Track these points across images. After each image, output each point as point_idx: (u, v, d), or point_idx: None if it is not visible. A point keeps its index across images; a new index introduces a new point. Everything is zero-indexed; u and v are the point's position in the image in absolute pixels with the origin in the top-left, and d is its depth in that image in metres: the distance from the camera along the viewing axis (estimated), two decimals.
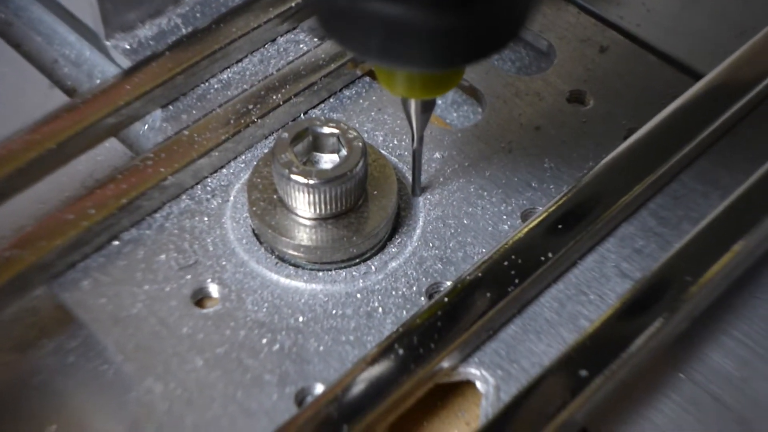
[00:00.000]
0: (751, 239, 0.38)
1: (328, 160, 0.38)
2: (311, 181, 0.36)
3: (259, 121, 0.41)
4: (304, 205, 0.37)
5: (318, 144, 0.38)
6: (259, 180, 0.39)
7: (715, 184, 0.41)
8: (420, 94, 0.36)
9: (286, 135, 0.37)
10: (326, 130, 0.38)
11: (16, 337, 0.38)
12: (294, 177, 0.36)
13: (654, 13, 0.49)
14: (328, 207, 0.37)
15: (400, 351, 0.35)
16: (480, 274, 0.37)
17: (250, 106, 0.42)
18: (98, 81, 0.49)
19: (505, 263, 0.37)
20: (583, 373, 0.35)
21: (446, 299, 0.36)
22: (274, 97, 0.42)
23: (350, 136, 0.37)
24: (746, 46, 0.44)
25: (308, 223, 0.38)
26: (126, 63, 0.44)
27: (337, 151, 0.38)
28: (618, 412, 0.37)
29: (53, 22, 0.52)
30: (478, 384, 0.36)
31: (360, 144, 0.37)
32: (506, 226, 0.39)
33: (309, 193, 0.37)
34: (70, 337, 0.38)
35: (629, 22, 0.48)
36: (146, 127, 0.45)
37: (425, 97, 0.36)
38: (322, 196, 0.37)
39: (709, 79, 0.43)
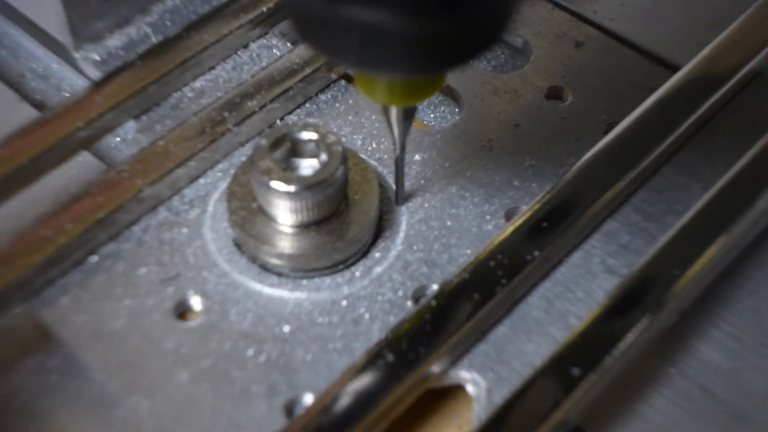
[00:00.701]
0: (735, 230, 0.38)
1: (307, 166, 0.37)
2: (292, 188, 0.36)
3: (235, 128, 0.41)
4: (285, 212, 0.36)
5: (297, 150, 0.37)
6: (238, 188, 0.38)
7: (696, 176, 0.41)
8: (401, 101, 0.35)
9: (264, 141, 0.37)
10: (305, 135, 0.37)
11: None
12: (274, 184, 0.36)
13: (627, 7, 0.49)
14: (310, 213, 0.37)
15: (390, 357, 0.34)
16: (467, 276, 0.36)
17: (226, 114, 0.41)
18: (67, 94, 0.48)
19: (492, 263, 0.37)
20: (575, 371, 0.34)
21: (434, 302, 0.36)
22: (249, 103, 0.41)
23: (329, 140, 0.37)
24: (721, 37, 0.44)
25: (290, 230, 0.37)
26: (96, 74, 0.43)
27: (317, 156, 0.37)
28: (610, 410, 0.37)
29: (19, 36, 0.51)
30: (469, 387, 0.36)
31: (340, 148, 0.37)
32: (490, 227, 0.39)
33: (290, 200, 0.36)
34: (51, 355, 0.37)
35: (603, 17, 0.48)
36: (118, 139, 0.44)
37: (406, 103, 0.35)
38: (304, 203, 0.36)
39: (686, 72, 0.42)
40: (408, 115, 0.36)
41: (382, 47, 0.29)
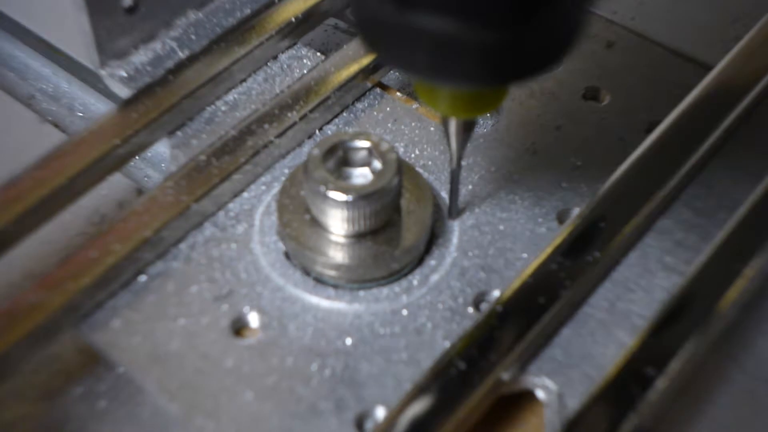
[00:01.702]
0: None
1: (359, 175, 0.37)
2: (350, 197, 0.35)
3: (276, 140, 0.40)
4: (340, 222, 0.36)
5: (348, 158, 0.37)
6: (288, 201, 0.37)
7: (744, 170, 0.40)
8: (463, 113, 0.34)
9: (317, 151, 0.36)
10: (358, 143, 0.36)
11: (41, 386, 0.36)
12: (331, 194, 0.35)
13: (647, 6, 0.49)
14: (367, 222, 0.36)
15: (461, 365, 0.34)
16: (530, 280, 0.36)
17: (266, 126, 0.40)
18: (80, 114, 0.47)
19: (554, 266, 0.36)
20: (650, 371, 0.34)
21: (500, 308, 0.35)
22: (289, 114, 0.40)
23: (383, 148, 0.36)
24: (755, 30, 0.44)
25: (345, 241, 0.36)
26: (124, 92, 0.42)
27: (368, 164, 0.37)
28: (677, 411, 0.36)
29: (26, 57, 0.50)
30: (540, 393, 0.35)
31: (394, 155, 0.36)
32: (543, 229, 0.38)
33: (347, 210, 0.35)
34: (99, 380, 0.36)
35: (623, 17, 0.48)
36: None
37: (468, 116, 0.35)
38: (361, 212, 0.35)
39: (723, 66, 0.42)
40: (468, 128, 0.36)
41: (452, 57, 0.28)
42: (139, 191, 0.43)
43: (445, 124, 0.36)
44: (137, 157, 0.42)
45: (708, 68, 0.43)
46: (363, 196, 0.35)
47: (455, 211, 0.38)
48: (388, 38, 0.29)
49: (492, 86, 0.33)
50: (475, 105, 0.34)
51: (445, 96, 0.34)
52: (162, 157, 0.43)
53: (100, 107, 0.47)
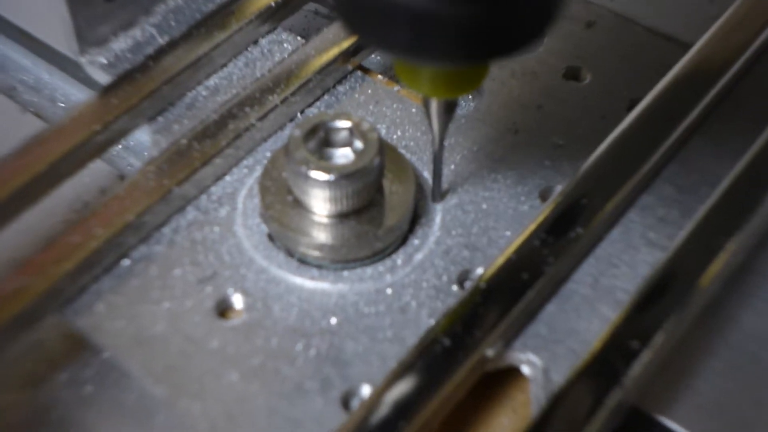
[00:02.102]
0: None
1: (341, 155, 0.37)
2: (331, 177, 0.35)
3: (258, 123, 0.40)
4: (323, 202, 0.36)
5: (329, 139, 0.37)
6: (270, 183, 0.37)
7: (725, 146, 0.40)
8: (444, 93, 0.34)
9: (298, 132, 0.36)
10: (339, 123, 0.36)
11: (25, 373, 0.35)
12: (313, 174, 0.35)
13: None
14: (349, 202, 0.36)
15: (446, 342, 0.34)
16: (514, 257, 0.36)
17: (247, 109, 0.40)
18: (62, 104, 0.47)
19: (536, 242, 0.36)
20: (635, 344, 0.34)
21: (483, 285, 0.35)
22: (270, 98, 0.40)
23: (364, 127, 0.36)
24: (732, 9, 0.44)
25: (328, 221, 0.36)
26: (104, 78, 0.42)
27: (350, 145, 0.37)
28: (662, 386, 0.36)
29: (5, 48, 0.49)
30: (525, 368, 0.35)
31: (375, 135, 0.36)
32: (526, 207, 0.39)
33: (329, 189, 0.35)
34: (84, 366, 0.35)
35: None
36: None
37: (449, 95, 0.35)
38: (343, 191, 0.35)
39: (703, 43, 0.43)
40: (449, 109, 0.35)
41: (431, 34, 0.28)
42: (122, 178, 0.43)
43: (426, 105, 0.35)
44: (120, 146, 0.42)
45: (687, 47, 0.43)
46: (345, 176, 0.35)
47: (438, 193, 0.38)
48: (365, 15, 0.29)
49: (471, 63, 0.32)
50: (455, 84, 0.34)
51: (425, 75, 0.33)
52: (144, 145, 0.43)
53: (81, 97, 0.46)
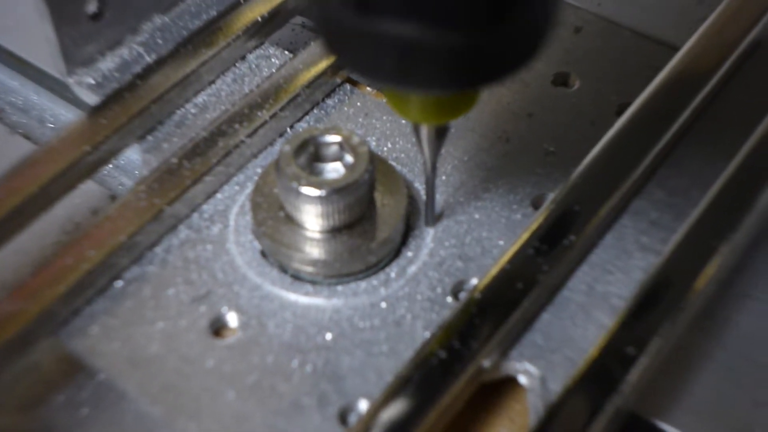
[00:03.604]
0: (765, 198, 0.38)
1: (331, 170, 0.37)
2: (323, 192, 0.35)
3: (248, 140, 0.40)
4: (315, 217, 0.36)
5: (319, 154, 0.37)
6: (261, 199, 0.37)
7: (714, 148, 0.40)
8: (434, 119, 0.34)
9: (288, 148, 0.36)
10: (329, 138, 0.36)
11: (20, 396, 0.35)
12: (304, 189, 0.35)
13: None
14: (341, 217, 0.36)
15: (442, 354, 0.34)
16: (508, 266, 0.36)
17: (236, 126, 0.40)
18: (51, 125, 0.47)
19: (530, 251, 0.36)
20: (631, 350, 0.34)
21: (479, 295, 0.35)
22: (259, 113, 0.40)
23: (354, 141, 0.36)
24: (719, 9, 0.44)
25: (320, 236, 0.36)
26: (92, 99, 0.42)
27: (340, 159, 0.37)
28: (659, 391, 0.36)
29: None
30: (522, 378, 0.35)
31: (366, 148, 0.36)
32: (519, 216, 0.38)
33: (321, 205, 0.35)
34: (80, 388, 0.35)
35: (590, 2, 0.48)
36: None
37: (439, 122, 0.34)
38: (335, 206, 0.35)
39: (691, 46, 0.43)
40: (440, 134, 0.34)
41: (419, 63, 0.27)
42: (113, 198, 0.43)
43: (416, 131, 0.35)
44: (110, 166, 0.41)
45: (675, 49, 0.43)
46: (336, 190, 0.35)
47: (432, 218, 0.38)
48: (349, 44, 0.28)
49: (462, 91, 0.32)
50: (446, 110, 0.33)
51: (414, 103, 0.33)
52: (135, 164, 0.43)
53: (70, 117, 0.46)
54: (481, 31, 0.27)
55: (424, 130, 0.34)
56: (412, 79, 0.28)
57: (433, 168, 0.36)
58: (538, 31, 0.29)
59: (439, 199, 0.39)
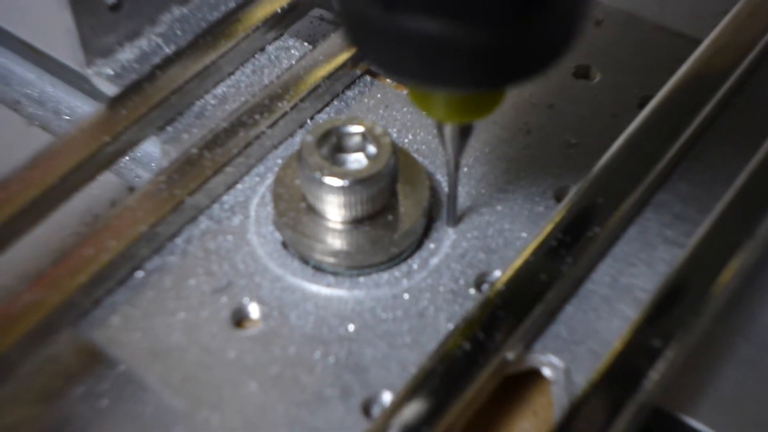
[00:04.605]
0: None
1: (353, 160, 0.36)
2: (346, 182, 0.35)
3: (268, 131, 0.39)
4: (337, 208, 0.35)
5: (342, 144, 0.36)
6: (283, 190, 0.37)
7: (738, 141, 0.40)
8: (458, 118, 0.33)
9: (310, 138, 0.36)
10: (351, 128, 0.36)
11: (41, 387, 0.35)
12: (327, 180, 0.35)
13: None
14: (364, 207, 0.35)
15: (467, 346, 0.33)
16: (532, 258, 0.35)
17: (257, 117, 0.40)
18: (67, 117, 0.47)
19: (554, 243, 0.36)
20: (657, 343, 0.33)
21: (503, 287, 0.35)
22: (280, 104, 0.40)
23: (377, 132, 0.36)
24: (741, 3, 0.44)
25: (342, 227, 0.36)
26: (111, 89, 0.42)
27: (362, 150, 0.36)
28: (682, 385, 0.36)
29: (9, 62, 0.49)
30: (546, 370, 0.35)
31: (389, 139, 0.36)
32: (542, 208, 0.38)
33: (344, 195, 0.35)
34: (99, 379, 0.35)
35: None
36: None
37: (464, 121, 0.33)
38: (358, 197, 0.35)
39: (713, 38, 0.42)
40: (465, 133, 0.34)
41: (446, 60, 0.27)
42: (131, 190, 0.43)
43: (439, 129, 0.34)
44: (127, 158, 0.41)
45: (697, 42, 0.43)
46: (359, 181, 0.35)
47: (453, 218, 0.37)
48: (375, 41, 0.28)
49: (487, 90, 0.31)
50: (470, 109, 0.32)
51: (439, 101, 0.32)
52: (152, 156, 0.43)
53: (86, 109, 0.46)
54: (507, 29, 0.27)
55: (448, 129, 0.34)
56: (436, 77, 0.28)
57: (456, 167, 0.36)
58: (567, 28, 0.28)
59: (461, 191, 0.38)
